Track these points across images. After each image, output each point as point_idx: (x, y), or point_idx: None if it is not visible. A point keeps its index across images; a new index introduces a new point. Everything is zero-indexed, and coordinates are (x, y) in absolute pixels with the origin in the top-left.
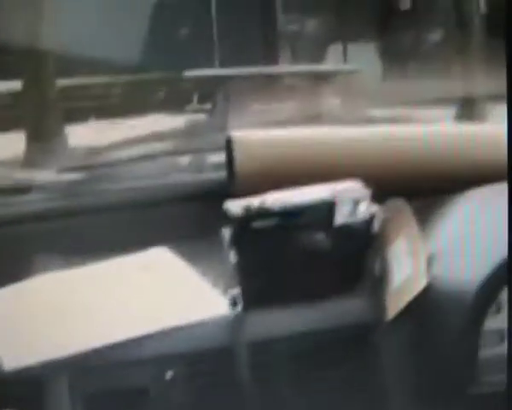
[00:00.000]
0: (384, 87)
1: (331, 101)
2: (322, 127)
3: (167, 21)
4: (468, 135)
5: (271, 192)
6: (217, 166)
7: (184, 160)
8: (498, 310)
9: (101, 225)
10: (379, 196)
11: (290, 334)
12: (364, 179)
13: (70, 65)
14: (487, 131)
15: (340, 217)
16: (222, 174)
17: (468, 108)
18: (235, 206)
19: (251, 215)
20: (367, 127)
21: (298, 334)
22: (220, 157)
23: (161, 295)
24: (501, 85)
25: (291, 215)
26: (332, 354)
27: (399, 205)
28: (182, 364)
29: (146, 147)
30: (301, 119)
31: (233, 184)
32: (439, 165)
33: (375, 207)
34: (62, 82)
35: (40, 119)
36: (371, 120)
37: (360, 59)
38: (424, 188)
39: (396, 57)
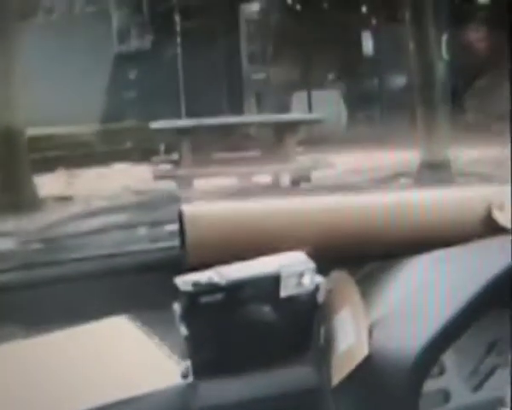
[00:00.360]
0: (348, 133)
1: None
2: (271, 199)
3: (134, 73)
4: (410, 202)
5: (221, 262)
6: (173, 235)
7: (142, 230)
8: (442, 372)
9: (60, 294)
10: (323, 267)
11: (240, 401)
12: (311, 250)
13: (39, 116)
14: (429, 197)
15: (286, 289)
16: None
17: (431, 152)
18: (184, 281)
19: (199, 291)
20: (313, 198)
21: (247, 401)
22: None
23: (118, 364)
24: (464, 129)
25: (238, 289)
26: None
27: (343, 276)
28: None
29: (105, 218)
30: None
31: (185, 255)
32: (383, 234)
33: (319, 279)
34: (31, 132)
35: (10, 170)
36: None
37: (325, 106)
38: (367, 256)
39: (360, 103)
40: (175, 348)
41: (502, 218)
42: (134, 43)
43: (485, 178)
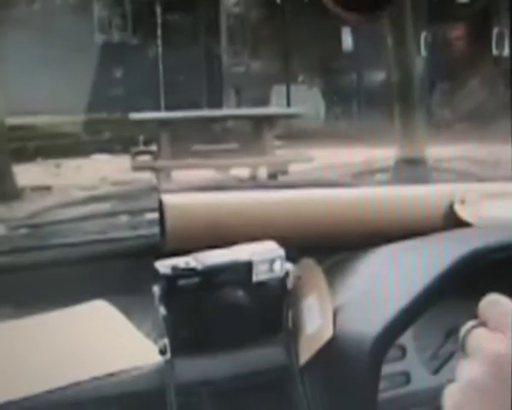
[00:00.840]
0: (326, 128)
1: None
2: (246, 192)
3: (114, 65)
4: (377, 197)
5: (199, 249)
6: (153, 223)
7: (123, 218)
8: (404, 355)
9: (45, 278)
10: (293, 255)
11: (214, 378)
12: (281, 239)
13: (18, 105)
14: (394, 193)
15: (258, 275)
16: (156, 231)
17: (409, 148)
18: (163, 266)
19: (177, 274)
20: (287, 191)
21: (221, 378)
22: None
23: (100, 344)
24: (441, 124)
25: (213, 274)
26: (252, 395)
27: (311, 264)
28: (119, 404)
29: (88, 207)
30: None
31: (165, 242)
32: (350, 227)
33: (289, 266)
34: (11, 122)
35: None
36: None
37: (303, 100)
38: (334, 247)
39: (339, 98)
40: (154, 328)
41: (463, 212)
42: (115, 35)
43: (461, 175)
